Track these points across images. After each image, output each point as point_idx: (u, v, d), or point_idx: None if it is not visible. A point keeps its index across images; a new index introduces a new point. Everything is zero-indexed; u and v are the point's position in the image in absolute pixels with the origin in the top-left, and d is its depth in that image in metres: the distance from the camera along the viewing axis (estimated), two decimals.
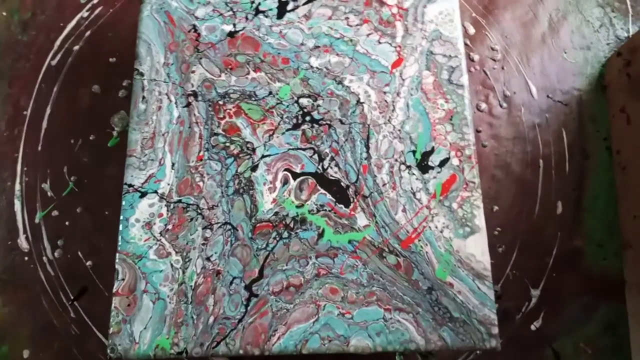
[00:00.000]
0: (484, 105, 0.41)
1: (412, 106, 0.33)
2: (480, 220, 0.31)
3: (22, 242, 0.38)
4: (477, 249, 0.30)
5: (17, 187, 0.39)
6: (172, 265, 0.30)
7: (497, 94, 0.42)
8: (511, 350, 0.37)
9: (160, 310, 0.29)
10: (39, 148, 0.40)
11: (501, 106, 0.41)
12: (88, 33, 0.43)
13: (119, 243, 0.30)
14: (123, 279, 0.29)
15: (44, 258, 0.38)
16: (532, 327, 0.37)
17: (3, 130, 0.40)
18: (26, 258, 0.38)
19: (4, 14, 0.43)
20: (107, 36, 0.42)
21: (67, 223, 0.39)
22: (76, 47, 0.42)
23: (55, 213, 0.39)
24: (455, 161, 0.32)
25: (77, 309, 0.37)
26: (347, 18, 0.34)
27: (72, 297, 0.37)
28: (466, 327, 0.29)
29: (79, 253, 0.38)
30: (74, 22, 0.43)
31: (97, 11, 0.43)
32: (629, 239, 0.38)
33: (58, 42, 0.42)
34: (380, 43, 0.34)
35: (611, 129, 0.41)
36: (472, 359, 0.37)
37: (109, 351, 0.28)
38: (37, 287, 0.37)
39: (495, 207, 0.40)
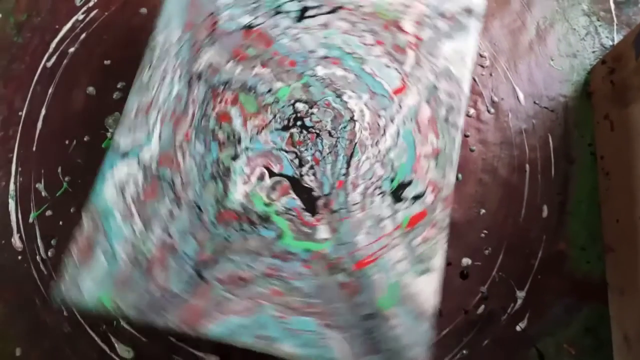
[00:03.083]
0: (472, 111, 0.42)
1: (402, 135, 0.33)
2: (438, 261, 0.31)
3: (16, 241, 0.38)
4: (427, 288, 0.30)
5: (12, 186, 0.40)
6: (134, 230, 0.31)
7: (485, 99, 0.43)
8: (497, 350, 0.37)
9: (111, 269, 0.30)
10: (34, 148, 0.41)
11: (489, 112, 0.42)
12: (83, 36, 0.43)
13: (91, 195, 0.31)
14: (85, 231, 0.31)
15: (38, 257, 0.38)
16: (518, 328, 0.38)
17: None
18: (19, 257, 0.38)
19: (0, 15, 0.44)
20: (102, 39, 0.43)
21: (60, 223, 0.39)
22: (71, 50, 0.43)
23: (49, 213, 0.39)
24: (429, 198, 0.32)
25: (69, 307, 0.37)
26: (362, 36, 0.35)
27: None
28: None
29: None
30: (69, 25, 0.44)
31: (92, 14, 0.44)
32: (611, 242, 0.38)
33: (53, 44, 0.43)
34: (387, 67, 0.34)
35: (595, 135, 0.42)
36: (458, 359, 0.37)
37: (55, 293, 0.30)
38: (30, 286, 0.37)
39: (482, 210, 0.40)
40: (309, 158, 0.32)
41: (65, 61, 0.42)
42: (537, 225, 0.40)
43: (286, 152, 0.32)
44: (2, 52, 0.42)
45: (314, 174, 0.32)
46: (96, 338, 0.36)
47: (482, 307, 0.37)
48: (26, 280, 0.37)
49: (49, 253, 0.38)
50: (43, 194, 0.39)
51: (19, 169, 0.40)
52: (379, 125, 0.33)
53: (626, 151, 0.37)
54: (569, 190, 0.41)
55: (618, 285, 0.37)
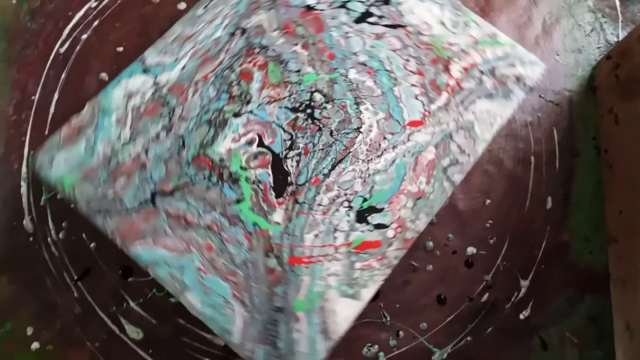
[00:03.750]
0: None
1: (396, 165, 0.33)
2: (367, 294, 0.30)
3: (27, 224, 0.39)
4: (345, 312, 0.30)
5: (24, 169, 0.40)
6: (120, 136, 0.33)
7: None
8: (500, 338, 0.37)
9: (84, 159, 0.32)
10: (46, 132, 0.41)
11: None
12: (96, 23, 0.44)
13: (102, 93, 0.33)
14: (81, 117, 0.33)
15: (49, 239, 0.38)
16: (521, 316, 0.38)
17: (11, 114, 0.41)
18: (31, 239, 0.38)
19: (14, 2, 0.44)
20: (114, 26, 0.44)
21: (71, 205, 0.37)
22: (84, 36, 0.43)
23: (60, 196, 0.39)
24: (390, 233, 0.31)
25: (80, 289, 0.38)
26: (407, 60, 0.35)
27: (75, 278, 0.38)
28: None
29: (83, 235, 0.38)
30: (82, 12, 0.44)
31: (105, 2, 0.44)
32: (614, 233, 0.38)
33: (66, 31, 0.43)
34: (416, 98, 0.34)
35: (600, 129, 0.42)
36: (462, 345, 0.37)
37: (31, 155, 0.32)
38: (41, 268, 0.38)
39: (488, 201, 0.40)
40: (301, 145, 0.33)
41: (78, 47, 0.43)
42: (541, 216, 0.40)
43: (284, 130, 0.33)
44: (16, 38, 0.43)
45: (297, 161, 0.32)
46: (106, 319, 0.37)
47: (487, 295, 0.38)
48: (37, 262, 0.38)
49: (60, 235, 0.38)
50: None
51: (32, 152, 0.40)
52: (379, 146, 0.33)
53: (630, 144, 0.38)
54: (572, 183, 0.41)
55: (620, 275, 0.37)
